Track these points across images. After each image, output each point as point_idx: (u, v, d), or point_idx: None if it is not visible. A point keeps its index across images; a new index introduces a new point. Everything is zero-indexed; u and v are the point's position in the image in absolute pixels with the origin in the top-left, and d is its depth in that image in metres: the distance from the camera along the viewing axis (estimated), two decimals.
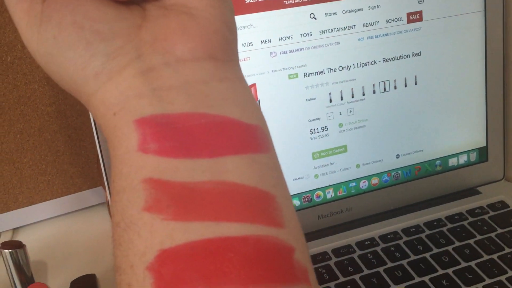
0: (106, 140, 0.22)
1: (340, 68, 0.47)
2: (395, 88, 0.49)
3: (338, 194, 0.49)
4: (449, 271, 0.43)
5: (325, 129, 0.47)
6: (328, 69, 0.46)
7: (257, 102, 0.45)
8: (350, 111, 0.48)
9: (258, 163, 0.20)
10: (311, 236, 0.47)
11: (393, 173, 0.50)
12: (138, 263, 0.18)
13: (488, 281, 0.42)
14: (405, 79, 0.49)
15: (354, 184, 0.49)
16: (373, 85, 0.48)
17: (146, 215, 0.19)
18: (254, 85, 0.45)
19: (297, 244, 0.20)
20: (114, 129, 0.20)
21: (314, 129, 0.47)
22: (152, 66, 0.21)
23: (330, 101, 0.47)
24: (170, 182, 0.19)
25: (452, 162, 0.52)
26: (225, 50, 0.22)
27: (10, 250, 0.38)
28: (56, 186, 0.53)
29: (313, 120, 0.47)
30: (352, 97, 0.48)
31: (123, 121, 0.20)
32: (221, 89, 0.21)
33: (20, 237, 0.51)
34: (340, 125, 0.48)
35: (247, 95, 0.22)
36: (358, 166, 0.49)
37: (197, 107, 0.20)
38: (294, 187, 0.47)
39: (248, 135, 0.21)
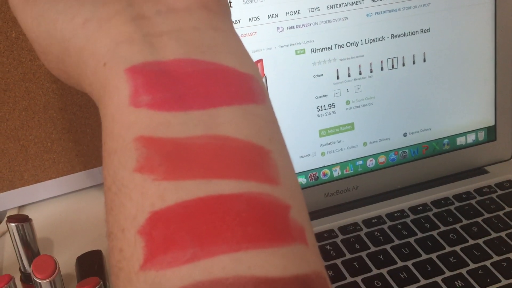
0: (97, 102, 0.21)
1: (348, 44, 0.46)
2: (403, 65, 0.48)
3: (345, 172, 0.48)
4: (457, 248, 0.43)
5: (332, 106, 0.47)
6: (335, 45, 0.46)
7: (264, 78, 0.45)
8: (358, 88, 0.47)
9: (253, 114, 0.20)
10: (317, 214, 0.47)
11: (400, 152, 0.50)
12: (129, 227, 0.18)
13: (496, 258, 0.42)
14: (414, 56, 0.48)
15: (361, 162, 0.49)
16: (381, 62, 0.47)
17: (138, 176, 0.18)
18: (260, 60, 0.44)
19: (293, 202, 0.19)
20: (104, 82, 0.20)
21: (321, 106, 0.47)
22: (143, 14, 0.20)
23: (338, 77, 0.47)
24: (162, 139, 0.18)
25: (460, 141, 0.51)
26: (217, 2, 0.22)
27: (16, 224, 0.38)
28: (61, 164, 0.53)
29: (320, 97, 0.47)
30: (360, 74, 0.47)
31: (113, 71, 0.19)
32: (214, 36, 0.21)
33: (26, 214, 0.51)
34: (348, 102, 0.47)
35: (241, 46, 0.22)
36: (365, 144, 0.49)
37: (189, 53, 0.20)
38: (300, 165, 0.47)
39: (242, 84, 0.20)
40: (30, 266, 0.37)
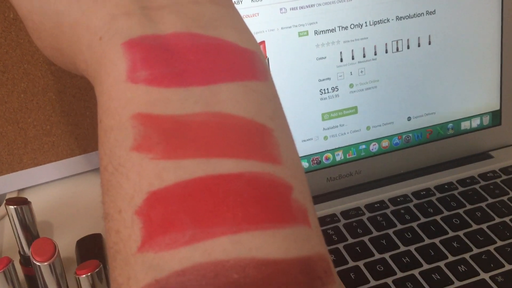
0: (92, 80, 0.20)
1: (352, 26, 0.45)
2: (408, 48, 0.47)
3: (347, 157, 0.48)
4: (460, 233, 0.42)
5: (335, 90, 0.46)
6: (339, 27, 0.45)
7: (266, 60, 0.44)
8: (362, 71, 0.47)
9: (254, 91, 0.19)
10: (319, 198, 0.47)
11: (404, 136, 0.49)
12: (126, 207, 0.17)
13: (499, 243, 0.41)
14: (419, 38, 0.47)
15: (364, 146, 0.48)
16: (386, 44, 0.47)
17: (135, 155, 0.17)
18: (263, 42, 0.44)
19: (295, 182, 0.18)
20: (100, 57, 0.19)
21: (324, 89, 0.46)
22: None
23: (341, 60, 0.46)
24: (161, 116, 0.18)
25: (465, 125, 0.51)
26: None
27: (15, 207, 0.37)
28: (61, 147, 0.52)
29: (323, 80, 0.46)
30: (364, 56, 0.46)
31: (110, 45, 0.19)
32: (215, 10, 0.20)
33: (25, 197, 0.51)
34: (351, 85, 0.47)
35: (242, 21, 0.21)
36: (368, 128, 0.48)
37: (189, 27, 0.19)
38: (302, 149, 0.46)
39: (244, 60, 0.19)
40: (29, 249, 0.37)
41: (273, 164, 0.18)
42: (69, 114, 0.52)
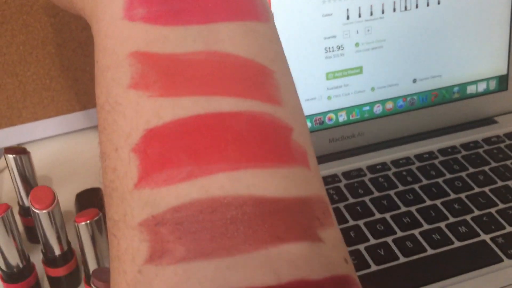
0: (89, 19, 0.20)
1: None
2: (417, 7, 0.46)
3: (350, 118, 0.47)
4: (462, 195, 0.42)
5: (340, 48, 0.45)
6: None
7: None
8: (368, 30, 0.45)
9: (256, 32, 0.19)
10: (321, 159, 0.46)
11: (408, 98, 0.48)
12: (123, 145, 0.17)
13: (501, 206, 0.41)
14: None
15: (367, 108, 0.47)
16: (394, 2, 0.45)
17: (132, 92, 0.17)
18: None
19: (295, 124, 0.18)
20: None
21: (329, 48, 0.45)
22: None
23: (348, 18, 0.45)
24: (159, 54, 0.17)
25: (471, 89, 0.50)
26: None
27: (14, 155, 0.37)
28: (61, 102, 0.52)
29: (329, 38, 0.45)
30: (371, 14, 0.45)
31: None
32: None
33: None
34: (357, 44, 0.46)
35: None
36: (373, 89, 0.47)
37: None
38: (305, 108, 0.46)
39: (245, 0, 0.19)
40: (28, 199, 0.37)
41: (273, 105, 0.18)
42: (68, 69, 0.51)
